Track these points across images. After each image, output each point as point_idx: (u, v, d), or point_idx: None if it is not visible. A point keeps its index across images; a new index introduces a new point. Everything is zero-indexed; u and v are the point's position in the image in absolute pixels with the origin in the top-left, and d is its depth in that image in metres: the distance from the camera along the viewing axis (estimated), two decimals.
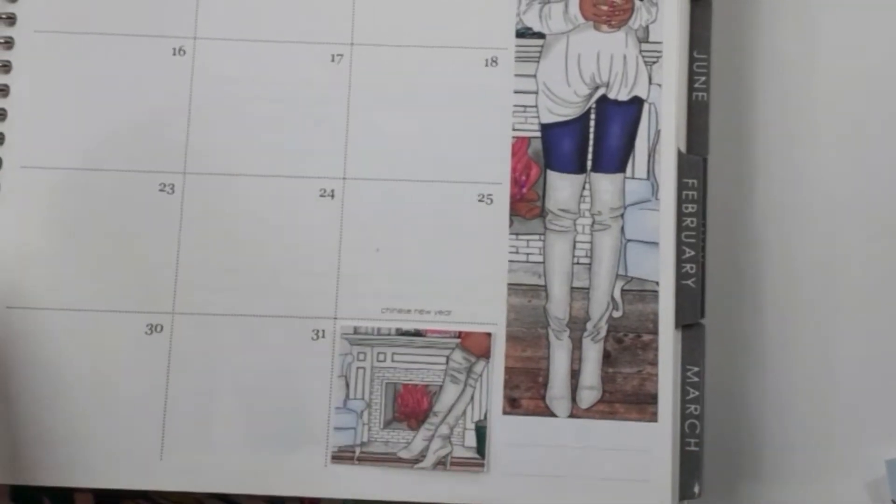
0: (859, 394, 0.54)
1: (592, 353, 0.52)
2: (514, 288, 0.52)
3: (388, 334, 0.52)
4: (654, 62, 0.53)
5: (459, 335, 0.52)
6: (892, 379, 0.54)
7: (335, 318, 0.52)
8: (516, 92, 0.53)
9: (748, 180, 0.56)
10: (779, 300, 0.55)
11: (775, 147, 0.56)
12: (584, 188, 0.52)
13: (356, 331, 0.52)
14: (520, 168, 0.53)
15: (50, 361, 0.52)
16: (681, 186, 0.52)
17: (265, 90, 0.54)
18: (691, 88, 0.53)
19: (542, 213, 0.52)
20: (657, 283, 0.52)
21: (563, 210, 0.52)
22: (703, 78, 0.53)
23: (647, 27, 0.53)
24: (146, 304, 0.52)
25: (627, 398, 0.51)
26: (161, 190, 0.53)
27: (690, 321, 0.52)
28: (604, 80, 0.53)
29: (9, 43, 0.54)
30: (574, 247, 0.52)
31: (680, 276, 0.52)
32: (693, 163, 0.52)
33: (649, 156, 0.52)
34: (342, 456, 0.51)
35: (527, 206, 0.52)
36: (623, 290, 0.52)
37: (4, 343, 0.52)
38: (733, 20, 0.57)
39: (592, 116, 0.53)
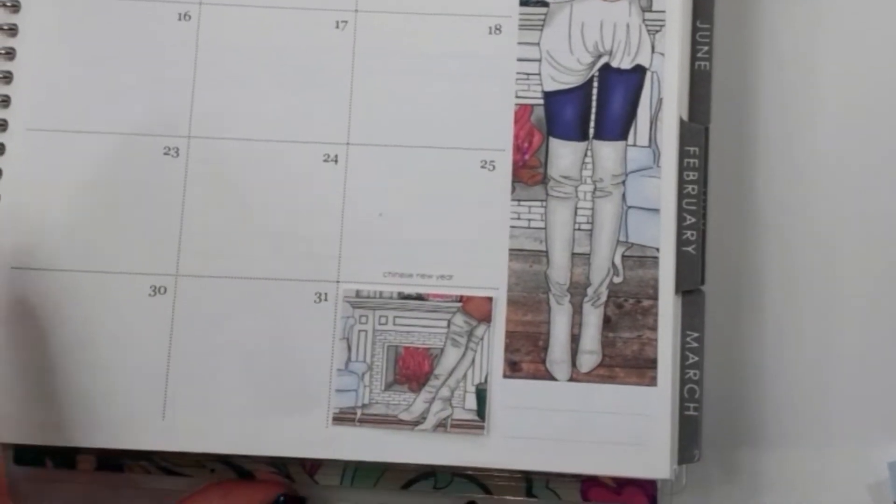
0: (859, 360, 0.55)
1: (593, 318, 0.52)
2: (515, 253, 0.52)
3: (391, 298, 0.52)
4: (657, 31, 0.53)
5: (461, 299, 0.52)
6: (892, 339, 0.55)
7: (338, 282, 0.53)
8: (519, 60, 0.54)
9: (749, 148, 0.56)
10: (779, 267, 0.56)
11: (776, 115, 0.56)
12: (585, 155, 0.53)
13: (358, 294, 0.52)
14: (522, 135, 0.53)
15: (53, 322, 0.53)
16: (682, 154, 0.53)
17: (269, 56, 0.54)
18: (694, 58, 0.54)
19: (544, 180, 0.53)
20: (657, 250, 0.52)
21: (564, 177, 0.53)
22: (706, 47, 0.54)
23: None
24: (150, 266, 0.53)
25: (627, 362, 0.51)
26: (165, 153, 0.53)
27: (690, 287, 0.52)
28: (607, 49, 0.53)
29: (15, 6, 0.55)
30: (575, 213, 0.53)
31: (680, 242, 0.52)
32: (695, 131, 0.53)
33: (651, 124, 0.53)
34: (343, 417, 0.52)
35: (529, 172, 0.53)
36: (624, 256, 0.52)
37: (8, 303, 0.53)
38: None
39: (595, 84, 0.53)
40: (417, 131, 0.53)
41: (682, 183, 0.52)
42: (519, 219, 0.53)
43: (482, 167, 0.53)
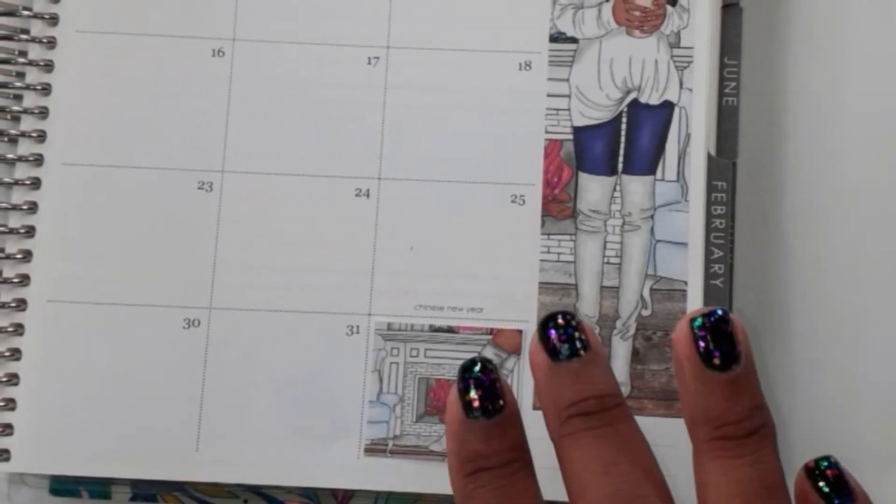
0: (887, 390, 0.56)
1: (621, 351, 0.54)
2: (545, 286, 0.55)
3: (422, 330, 0.55)
4: (685, 67, 0.55)
5: (491, 332, 0.54)
6: None
7: (370, 315, 0.55)
8: (549, 95, 0.56)
9: (776, 183, 0.58)
10: (806, 301, 0.57)
11: (803, 150, 0.58)
12: (614, 190, 0.55)
13: (390, 327, 0.55)
14: (552, 170, 0.55)
15: (89, 354, 0.55)
16: (710, 189, 0.54)
17: (302, 91, 0.56)
18: (721, 93, 0.56)
19: (574, 214, 0.55)
20: (685, 283, 0.54)
21: (593, 211, 0.55)
22: (734, 83, 0.56)
23: (678, 33, 0.55)
24: (184, 299, 0.55)
25: (655, 394, 0.53)
26: (199, 188, 0.56)
27: None
28: (635, 85, 0.55)
29: (51, 43, 0.57)
30: (604, 247, 0.55)
31: (708, 276, 0.54)
32: (722, 166, 0.55)
33: (679, 159, 0.55)
34: (375, 448, 0.54)
35: (558, 206, 0.55)
36: (652, 290, 0.54)
37: (44, 336, 0.55)
38: (764, 27, 0.59)
39: (624, 120, 0.55)
40: (448, 166, 0.55)
41: (709, 217, 0.54)
42: (549, 252, 0.55)
43: (512, 201, 0.55)
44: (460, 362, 0.51)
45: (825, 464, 0.42)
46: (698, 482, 0.43)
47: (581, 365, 0.43)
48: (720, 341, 0.42)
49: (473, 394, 0.43)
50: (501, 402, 0.43)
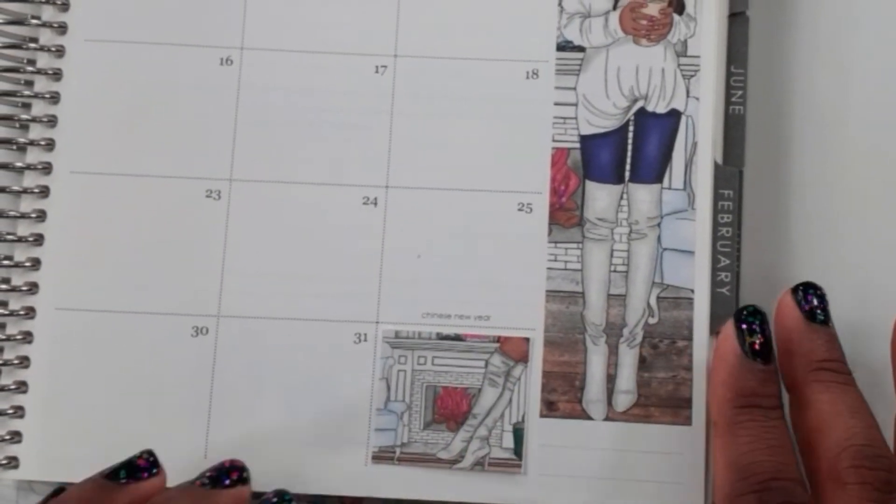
0: (892, 404, 0.56)
1: (628, 359, 0.55)
2: (552, 294, 0.55)
3: (429, 338, 0.55)
4: (692, 76, 0.56)
5: (498, 340, 0.55)
6: None
7: (377, 322, 0.55)
8: (556, 104, 0.56)
9: (783, 191, 0.58)
10: None
11: (810, 159, 0.58)
12: (621, 198, 0.55)
13: (397, 335, 0.55)
14: (559, 178, 0.56)
15: (97, 362, 0.55)
16: (717, 197, 0.55)
17: (310, 100, 0.57)
18: (728, 102, 0.56)
19: (581, 222, 0.55)
20: (692, 291, 0.55)
21: (600, 219, 0.55)
22: (740, 92, 0.56)
23: (685, 41, 0.56)
24: (192, 307, 0.56)
25: (662, 402, 0.54)
26: (208, 196, 0.56)
27: None
28: (642, 93, 0.56)
29: (60, 51, 0.57)
30: (611, 255, 0.55)
31: (715, 284, 0.54)
32: (729, 174, 0.55)
33: (686, 167, 0.55)
34: (383, 456, 0.54)
35: (565, 214, 0.56)
36: (659, 298, 0.55)
37: (53, 344, 0.56)
38: (771, 35, 0.59)
39: (631, 128, 0.56)
40: (455, 174, 0.56)
41: (716, 225, 0.55)
42: (556, 260, 0.55)
43: (519, 210, 0.56)
44: (467, 370, 0.52)
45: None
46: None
47: (832, 333, 0.51)
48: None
49: (757, 338, 0.50)
50: (773, 355, 0.50)
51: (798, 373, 0.50)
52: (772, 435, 0.48)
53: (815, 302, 0.51)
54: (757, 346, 0.50)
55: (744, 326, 0.51)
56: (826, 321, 0.51)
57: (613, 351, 0.55)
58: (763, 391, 0.50)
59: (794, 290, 0.52)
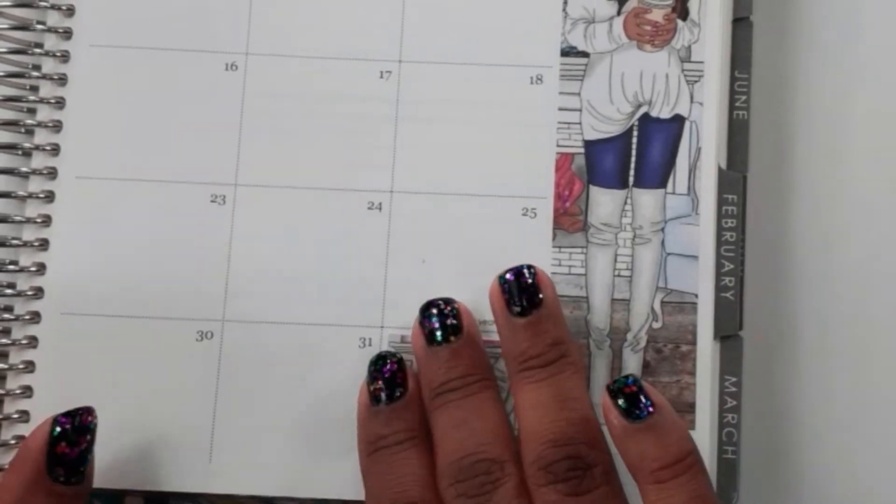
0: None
1: (632, 363, 0.55)
2: None
3: None
4: (696, 81, 0.56)
5: None
6: None
7: (382, 327, 0.56)
8: (561, 109, 0.56)
9: (787, 196, 0.59)
10: (817, 313, 0.58)
11: (813, 164, 0.59)
12: (625, 203, 0.56)
13: (403, 339, 0.55)
14: (563, 183, 0.56)
15: (102, 367, 0.56)
16: (721, 202, 0.55)
17: (315, 105, 0.57)
18: (732, 107, 0.56)
19: (585, 227, 0.56)
20: (696, 296, 0.55)
21: (605, 224, 0.56)
22: (744, 97, 0.56)
23: (689, 47, 0.56)
24: (197, 311, 0.56)
25: None
26: (212, 201, 0.56)
27: (728, 333, 0.55)
28: (646, 99, 0.56)
29: (65, 56, 0.58)
30: (615, 260, 0.55)
31: (719, 288, 0.55)
32: (733, 179, 0.56)
33: (690, 172, 0.55)
34: None
35: (570, 220, 0.56)
36: (663, 302, 0.55)
37: (58, 349, 0.56)
38: (774, 40, 0.59)
39: (635, 134, 0.56)
40: (460, 179, 0.56)
41: (720, 230, 0.55)
42: (560, 265, 0.56)
43: (524, 215, 0.56)
44: None
45: (624, 382, 0.50)
46: (514, 409, 0.52)
47: (455, 349, 0.52)
48: (521, 292, 0.51)
49: (375, 385, 0.52)
50: (400, 389, 0.52)
51: (426, 401, 0.52)
52: (401, 468, 0.51)
53: (435, 322, 0.53)
54: (378, 392, 0.52)
55: (367, 377, 0.53)
56: (446, 338, 0.52)
57: (617, 355, 0.55)
58: (389, 431, 0.52)
59: (421, 310, 0.53)
